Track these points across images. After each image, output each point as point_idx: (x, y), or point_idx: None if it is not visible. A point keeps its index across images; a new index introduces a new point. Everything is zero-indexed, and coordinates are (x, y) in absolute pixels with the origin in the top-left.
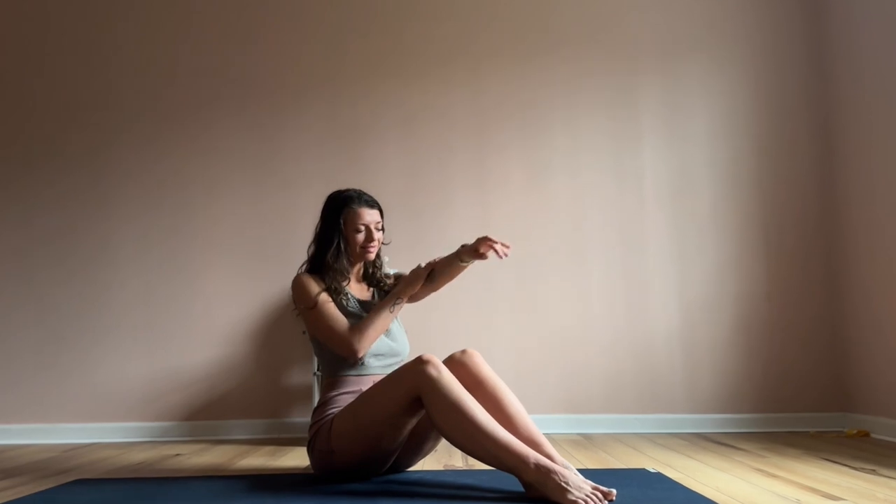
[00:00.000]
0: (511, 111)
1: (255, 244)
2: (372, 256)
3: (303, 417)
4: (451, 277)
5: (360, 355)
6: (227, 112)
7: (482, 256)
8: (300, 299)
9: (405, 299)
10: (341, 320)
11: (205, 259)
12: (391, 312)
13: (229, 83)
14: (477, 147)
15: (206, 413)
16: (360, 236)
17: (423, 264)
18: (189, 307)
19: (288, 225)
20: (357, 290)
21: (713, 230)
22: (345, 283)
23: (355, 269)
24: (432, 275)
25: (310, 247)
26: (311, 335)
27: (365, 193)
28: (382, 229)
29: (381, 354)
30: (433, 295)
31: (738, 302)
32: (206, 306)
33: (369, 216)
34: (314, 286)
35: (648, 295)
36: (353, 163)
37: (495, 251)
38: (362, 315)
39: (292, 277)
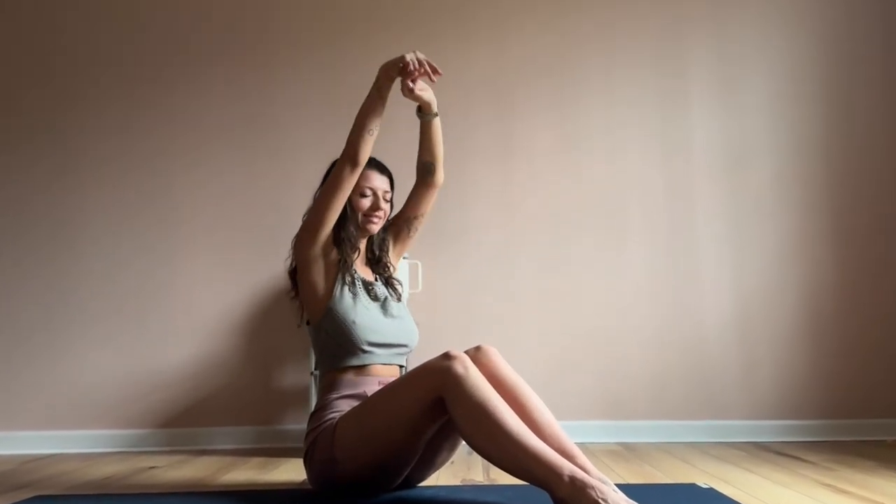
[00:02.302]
0: (539, 70)
1: (243, 221)
2: (375, 229)
3: (298, 424)
4: (428, 139)
5: (358, 155)
6: (209, 67)
7: (411, 92)
8: (298, 234)
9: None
10: None
11: (184, 237)
12: (367, 96)
13: (211, 34)
14: (499, 112)
15: (185, 419)
16: (366, 201)
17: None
18: (166, 295)
19: (280, 198)
20: (362, 272)
21: (774, 208)
22: (355, 256)
23: (360, 248)
24: (422, 163)
25: (305, 215)
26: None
27: (375, 158)
28: (391, 202)
29: (387, 344)
30: (444, 282)
31: (803, 292)
32: (185, 294)
33: (378, 181)
34: None
35: (699, 284)
36: None
37: (426, 71)
38: (367, 296)
39: (285, 260)
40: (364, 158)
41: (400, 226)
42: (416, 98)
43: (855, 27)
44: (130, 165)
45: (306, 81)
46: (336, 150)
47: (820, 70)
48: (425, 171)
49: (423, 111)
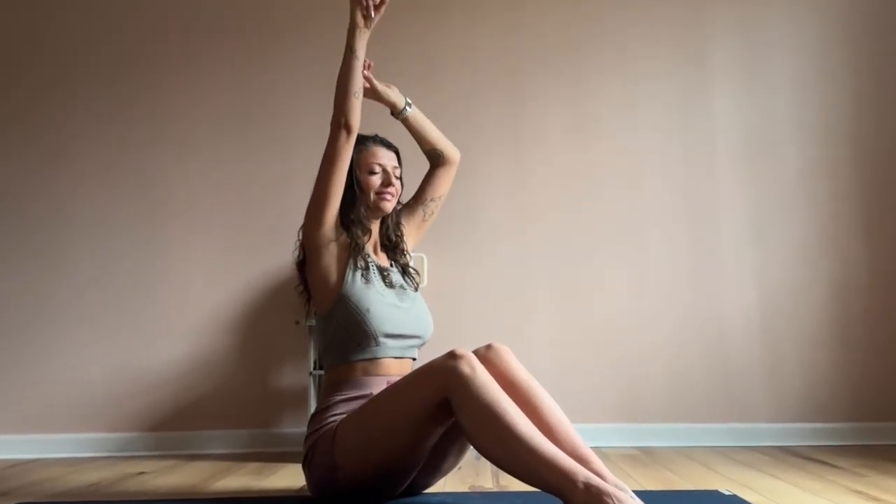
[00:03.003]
0: (551, 51)
1: (240, 214)
2: (388, 207)
3: (296, 427)
4: (416, 133)
5: (349, 121)
6: (205, 52)
7: (369, 88)
8: (304, 220)
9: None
10: None
11: (177, 230)
12: (343, 60)
13: (208, 18)
14: (509, 95)
15: (176, 422)
16: (376, 178)
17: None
18: (157, 290)
19: (279, 191)
20: (377, 258)
21: (800, 200)
22: (366, 238)
23: (373, 232)
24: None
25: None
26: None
27: (378, 134)
28: (401, 179)
29: (403, 335)
30: (453, 278)
31: (831, 288)
32: (178, 289)
33: (386, 157)
34: None
35: (720, 280)
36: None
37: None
38: (382, 283)
39: (293, 252)
40: (355, 122)
41: (415, 209)
42: (373, 94)
43: (888, 4)
44: (122, 155)
45: (303, 70)
46: None
47: (850, 52)
48: (434, 156)
49: (394, 111)
